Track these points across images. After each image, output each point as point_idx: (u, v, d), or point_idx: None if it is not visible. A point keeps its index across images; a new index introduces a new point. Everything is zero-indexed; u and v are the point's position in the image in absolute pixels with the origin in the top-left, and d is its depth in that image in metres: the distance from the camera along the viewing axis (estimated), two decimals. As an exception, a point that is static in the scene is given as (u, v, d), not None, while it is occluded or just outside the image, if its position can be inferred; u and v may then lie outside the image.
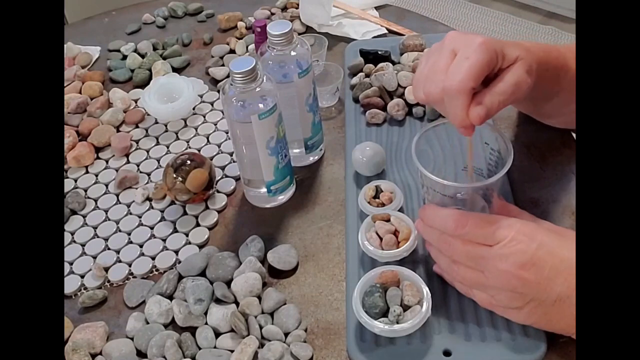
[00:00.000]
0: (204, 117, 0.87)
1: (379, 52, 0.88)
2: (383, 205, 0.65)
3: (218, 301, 0.61)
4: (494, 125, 0.72)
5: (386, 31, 1.00)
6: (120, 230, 0.71)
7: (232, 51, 0.99)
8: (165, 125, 0.86)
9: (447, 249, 0.54)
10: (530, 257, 0.49)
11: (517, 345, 0.53)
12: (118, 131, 0.85)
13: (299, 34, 0.99)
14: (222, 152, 0.81)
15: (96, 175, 0.79)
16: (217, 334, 0.59)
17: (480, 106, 0.49)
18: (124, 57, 1.00)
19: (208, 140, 0.83)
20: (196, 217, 0.72)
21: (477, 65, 0.49)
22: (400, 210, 0.65)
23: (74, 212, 0.74)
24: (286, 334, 0.58)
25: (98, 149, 0.83)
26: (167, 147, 0.83)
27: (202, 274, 0.64)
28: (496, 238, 0.51)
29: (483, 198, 0.57)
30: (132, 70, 0.96)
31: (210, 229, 0.71)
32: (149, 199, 0.75)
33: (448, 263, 0.55)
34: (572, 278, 0.49)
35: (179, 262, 0.67)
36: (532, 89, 0.55)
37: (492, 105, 0.50)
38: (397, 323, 0.53)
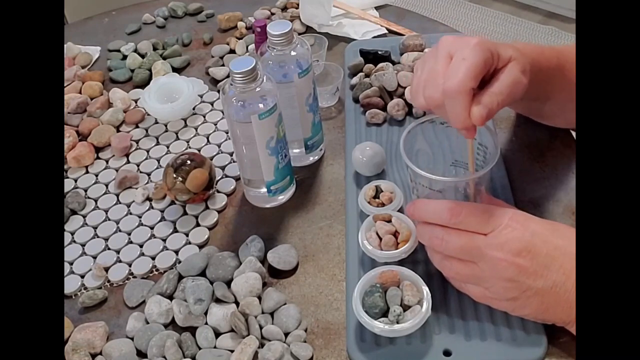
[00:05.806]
0: (204, 117, 0.87)
1: (379, 52, 0.88)
2: (383, 205, 0.65)
3: (218, 301, 0.61)
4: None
5: (386, 31, 1.00)
6: (120, 230, 0.71)
7: (232, 51, 0.99)
8: (165, 125, 0.86)
9: (440, 244, 0.54)
10: (525, 244, 0.50)
11: (518, 344, 0.53)
12: (118, 131, 0.85)
13: (299, 34, 0.99)
14: (222, 152, 0.81)
15: (96, 175, 0.79)
16: (217, 334, 0.59)
17: (480, 106, 0.49)
18: (124, 57, 1.00)
19: (208, 140, 0.83)
20: (196, 217, 0.72)
21: (474, 65, 0.49)
22: (400, 210, 0.65)
23: (74, 212, 0.74)
24: (286, 334, 0.58)
25: (98, 149, 0.83)
26: (167, 147, 0.83)
27: (202, 274, 0.64)
28: (490, 225, 0.51)
29: (464, 193, 0.57)
30: (132, 70, 0.96)
31: (210, 229, 0.71)
32: (149, 199, 0.75)
33: (440, 259, 0.55)
34: (567, 265, 0.49)
35: (179, 262, 0.67)
36: (526, 90, 0.55)
37: (492, 105, 0.50)
38: (397, 323, 0.53)
